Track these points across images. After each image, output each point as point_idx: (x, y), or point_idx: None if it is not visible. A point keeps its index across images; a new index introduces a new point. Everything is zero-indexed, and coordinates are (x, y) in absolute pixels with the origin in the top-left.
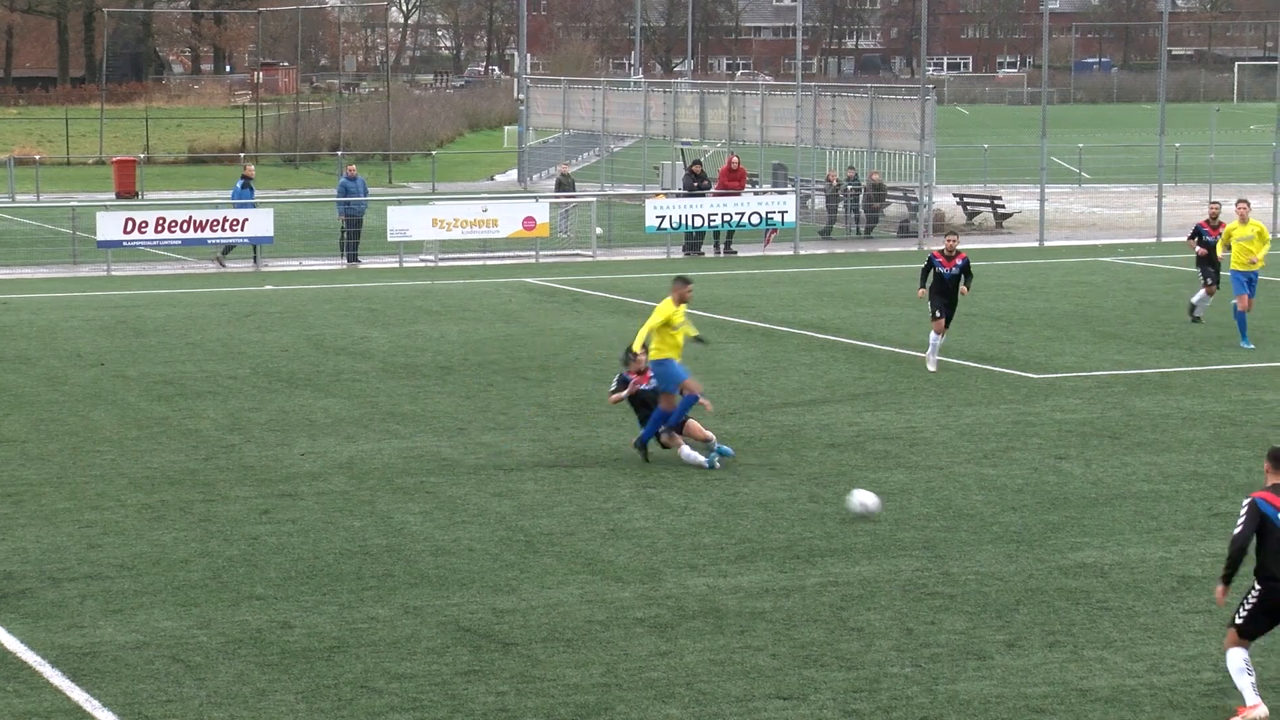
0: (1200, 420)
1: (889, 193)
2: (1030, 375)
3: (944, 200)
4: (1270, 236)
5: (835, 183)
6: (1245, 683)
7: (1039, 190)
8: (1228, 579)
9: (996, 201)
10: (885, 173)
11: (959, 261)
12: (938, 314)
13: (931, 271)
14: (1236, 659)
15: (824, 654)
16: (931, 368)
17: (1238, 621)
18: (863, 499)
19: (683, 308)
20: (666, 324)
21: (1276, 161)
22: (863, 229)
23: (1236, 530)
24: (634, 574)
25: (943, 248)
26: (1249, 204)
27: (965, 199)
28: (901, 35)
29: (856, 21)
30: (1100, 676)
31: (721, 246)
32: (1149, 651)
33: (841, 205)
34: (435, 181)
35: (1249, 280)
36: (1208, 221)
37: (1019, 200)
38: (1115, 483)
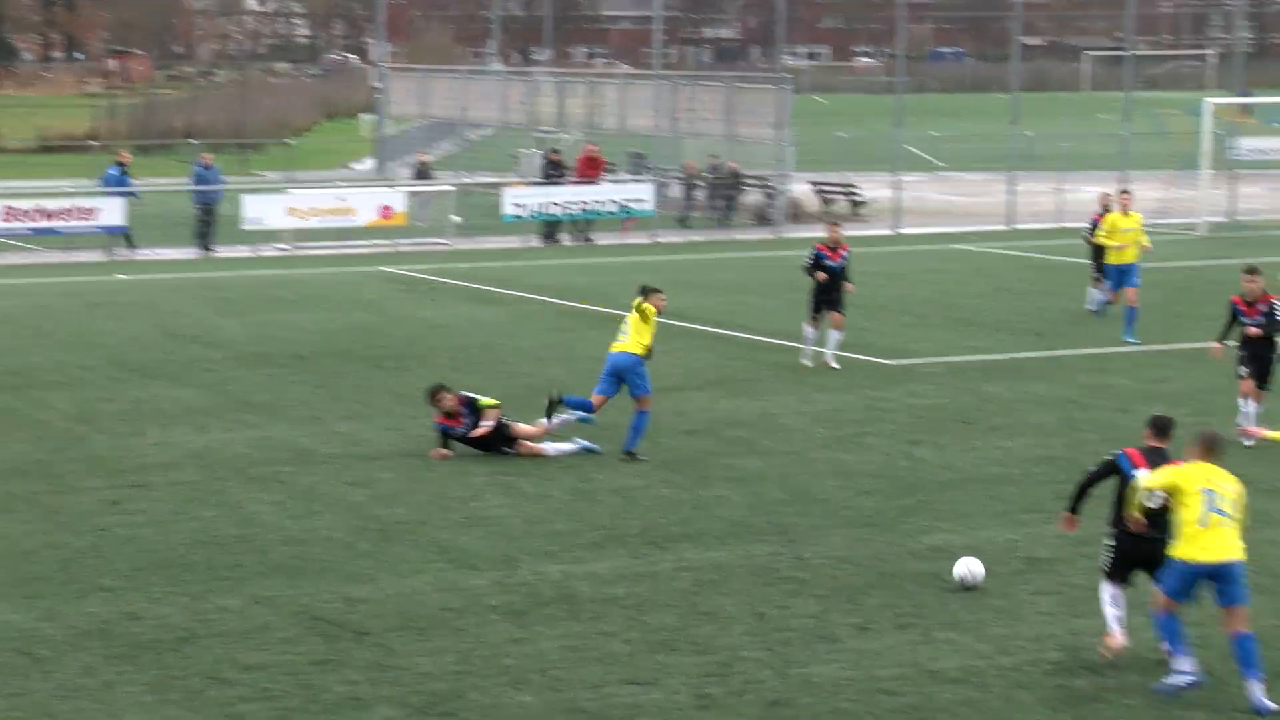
0: (1049, 405)
1: (746, 181)
2: (885, 361)
3: (800, 189)
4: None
5: (693, 171)
6: (1110, 614)
7: (894, 178)
8: (1071, 509)
9: (852, 190)
10: (743, 161)
11: (844, 253)
12: (819, 311)
13: (816, 264)
14: (1105, 591)
15: (677, 639)
16: (808, 363)
17: (1105, 569)
18: (970, 569)
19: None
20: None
21: (1124, 150)
22: (721, 217)
23: (1090, 469)
24: (489, 562)
25: (825, 238)
26: (1131, 195)
27: (821, 187)
28: (760, 24)
29: (715, 11)
30: (949, 657)
31: (580, 235)
32: (997, 632)
33: (699, 194)
34: (291, 170)
35: (1125, 272)
36: (1102, 215)
37: (875, 188)
38: (966, 467)
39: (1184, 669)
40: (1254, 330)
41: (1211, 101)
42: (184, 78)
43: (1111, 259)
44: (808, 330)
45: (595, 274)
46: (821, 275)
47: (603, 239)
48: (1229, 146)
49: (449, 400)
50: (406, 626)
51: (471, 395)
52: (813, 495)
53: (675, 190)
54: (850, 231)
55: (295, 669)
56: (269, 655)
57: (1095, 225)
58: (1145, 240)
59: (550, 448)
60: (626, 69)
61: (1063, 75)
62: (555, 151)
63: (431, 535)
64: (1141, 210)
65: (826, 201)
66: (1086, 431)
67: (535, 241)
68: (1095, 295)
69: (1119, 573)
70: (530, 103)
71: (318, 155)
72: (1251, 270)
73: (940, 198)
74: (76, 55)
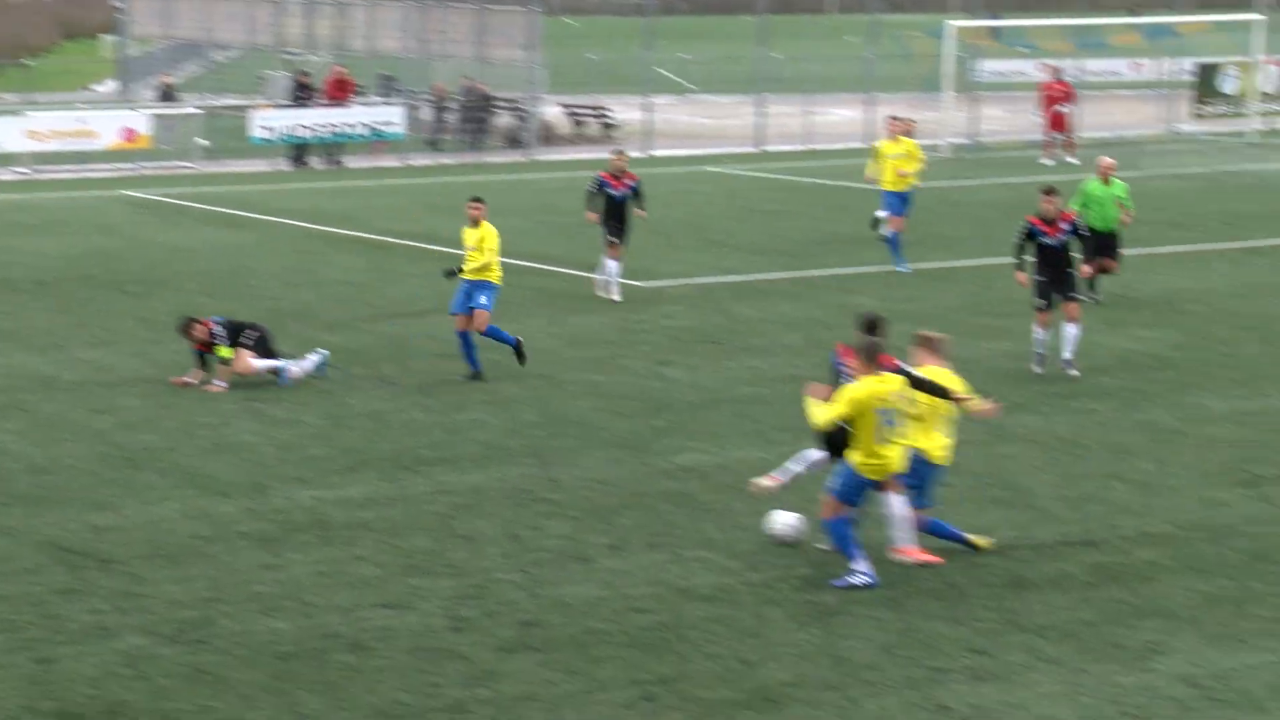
0: (798, 325)
1: (497, 104)
2: (638, 283)
3: (552, 111)
4: (921, 154)
5: (443, 94)
6: (794, 467)
7: (645, 101)
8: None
9: (603, 112)
10: (493, 84)
11: (630, 182)
12: (612, 239)
13: (602, 193)
14: (811, 456)
15: (431, 562)
16: (616, 297)
17: (834, 491)
18: (784, 521)
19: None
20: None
21: (869, 73)
22: (472, 140)
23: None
24: (239, 488)
25: (609, 168)
26: (902, 121)
27: (573, 110)
28: None
29: None
30: (700, 575)
31: (329, 158)
32: (747, 550)
33: (450, 117)
34: (30, 92)
35: (902, 199)
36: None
37: (626, 111)
38: (717, 387)
39: (861, 569)
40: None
41: (953, 24)
42: None
43: (885, 186)
44: (608, 262)
45: (345, 198)
46: (592, 215)
47: (352, 162)
48: (971, 69)
49: (199, 331)
50: (155, 554)
51: (223, 322)
52: (567, 417)
53: (426, 113)
54: (601, 154)
55: (39, 599)
56: (12, 586)
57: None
58: (908, 167)
59: (293, 366)
60: None
61: None
62: (303, 74)
63: (179, 462)
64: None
65: (578, 124)
66: (831, 346)
67: (284, 165)
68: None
69: (852, 498)
70: (277, 24)
71: (57, 77)
72: (1049, 190)
73: (690, 120)
74: None
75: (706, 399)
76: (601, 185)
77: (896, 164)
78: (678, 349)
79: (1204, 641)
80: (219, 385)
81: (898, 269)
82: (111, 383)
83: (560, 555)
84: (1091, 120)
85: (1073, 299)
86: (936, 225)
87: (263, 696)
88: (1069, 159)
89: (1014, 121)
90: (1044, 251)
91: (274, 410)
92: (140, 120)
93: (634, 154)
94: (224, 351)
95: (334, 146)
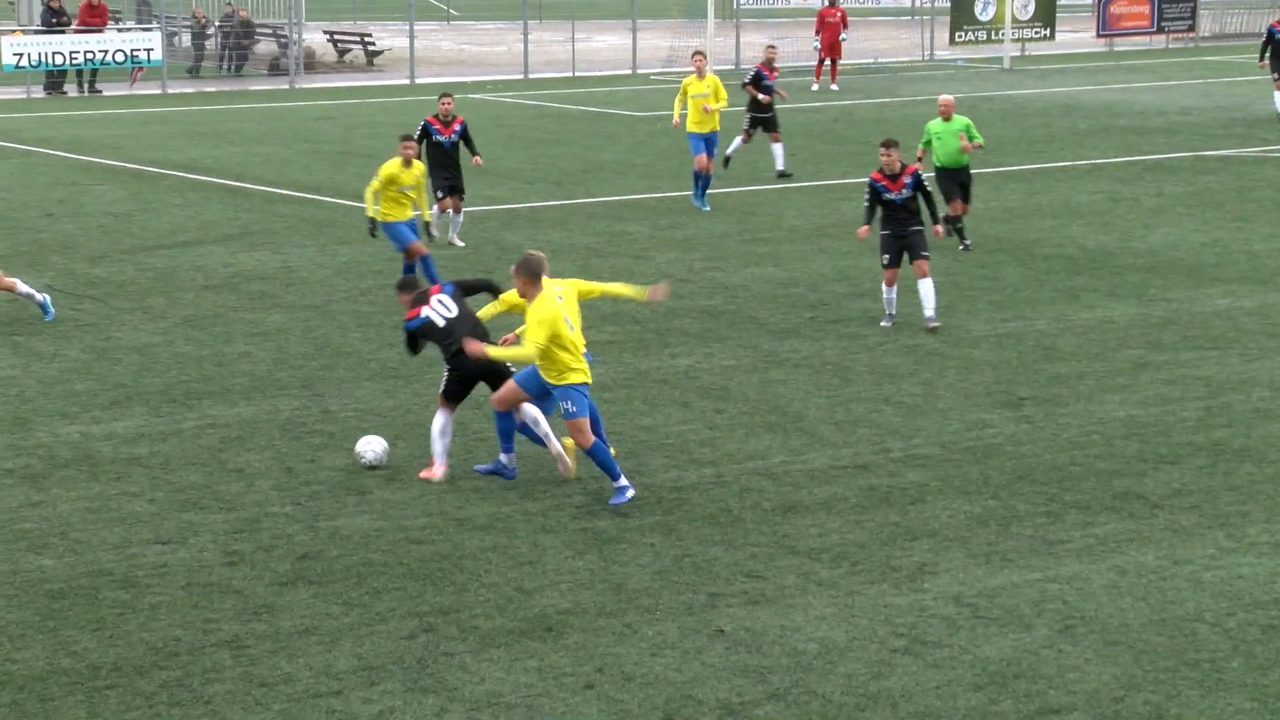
0: (568, 252)
1: (259, 30)
2: None
3: (314, 38)
4: (724, 92)
5: (203, 20)
6: (440, 447)
7: (408, 27)
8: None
9: (367, 39)
10: (255, 10)
11: (458, 126)
12: (440, 194)
13: (427, 140)
14: (438, 421)
15: (203, 497)
16: (449, 237)
17: (442, 394)
18: (369, 447)
19: (405, 165)
20: (391, 182)
21: (634, 2)
22: (232, 67)
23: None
24: (1, 424)
25: (437, 113)
26: (706, 57)
27: (336, 36)
28: None
29: None
30: (477, 506)
31: (85, 86)
32: (522, 479)
33: (210, 43)
34: None
35: (706, 140)
36: (765, 64)
37: (390, 38)
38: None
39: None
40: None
41: None
42: None
43: (690, 128)
44: (435, 212)
45: (103, 126)
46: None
47: (110, 90)
48: None
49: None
50: None
51: None
52: (337, 348)
53: (185, 39)
54: (366, 81)
55: None
56: None
57: (759, 76)
58: (711, 104)
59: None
60: None
61: None
62: None
63: None
64: (649, 57)
65: (341, 52)
66: (605, 276)
67: (39, 93)
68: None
69: (453, 399)
70: None
71: None
72: (888, 143)
73: (455, 47)
74: None
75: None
76: (426, 129)
77: (701, 102)
78: (445, 278)
79: (971, 561)
80: None
81: (698, 206)
82: None
83: (335, 488)
84: (852, 47)
85: (922, 256)
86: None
87: (33, 635)
88: (833, 86)
89: (777, 49)
90: (888, 207)
91: (35, 343)
92: None
93: (399, 81)
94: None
95: (90, 73)
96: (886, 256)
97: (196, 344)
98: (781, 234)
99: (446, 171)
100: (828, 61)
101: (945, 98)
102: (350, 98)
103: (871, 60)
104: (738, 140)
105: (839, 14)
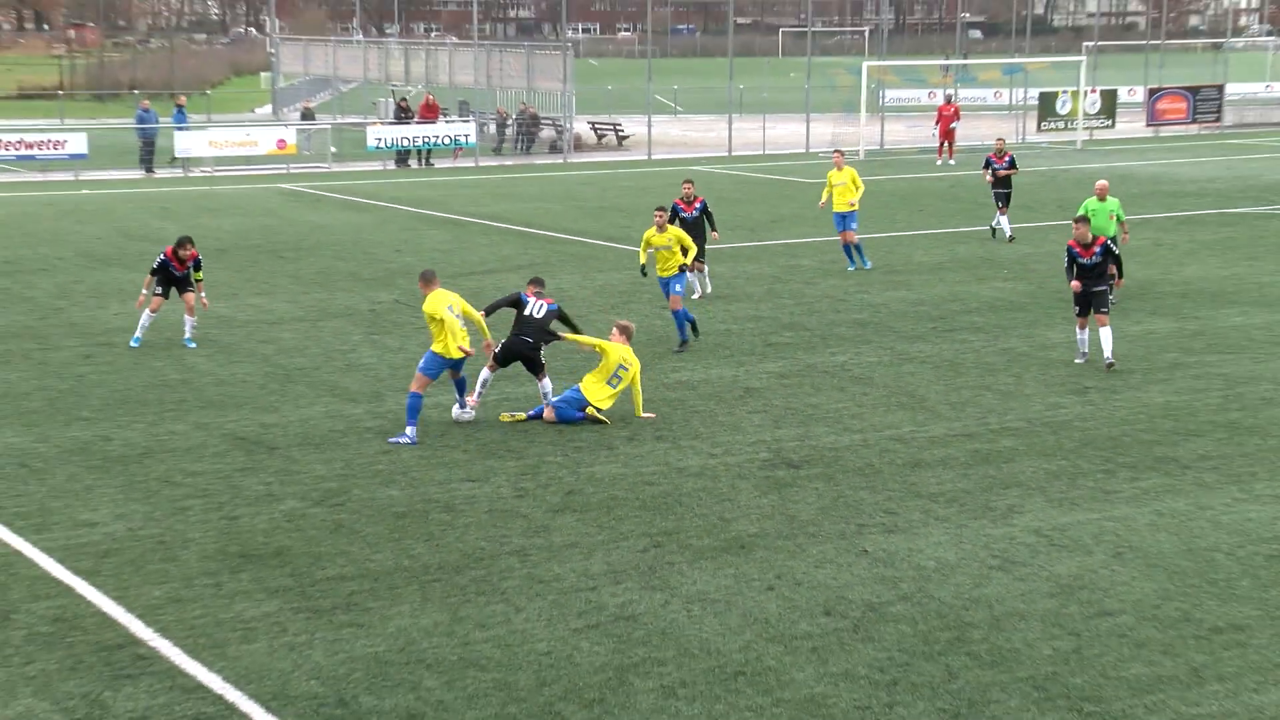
0: (758, 279)
1: (542, 121)
2: (631, 248)
3: (581, 127)
4: (860, 182)
5: (504, 114)
6: (480, 388)
7: (647, 119)
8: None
9: (618, 127)
10: (540, 107)
11: (698, 205)
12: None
13: (676, 218)
14: (484, 374)
15: (500, 449)
16: (701, 290)
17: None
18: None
19: (659, 230)
20: (648, 243)
21: (807, 100)
22: (524, 147)
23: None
24: (364, 396)
25: (681, 194)
26: (843, 154)
27: (596, 125)
28: (548, 6)
29: None
30: (691, 459)
31: (423, 160)
32: (724, 440)
33: (508, 130)
34: (210, 113)
35: (844, 218)
36: (996, 154)
37: (634, 126)
38: (703, 325)
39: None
40: (1081, 281)
41: (866, 64)
42: (126, 44)
43: (836, 208)
44: (692, 278)
45: (435, 189)
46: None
47: (440, 163)
48: (879, 96)
49: (191, 252)
50: (305, 443)
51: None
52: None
53: (491, 128)
54: (617, 157)
55: (225, 474)
56: (206, 465)
57: (989, 163)
58: (852, 195)
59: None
60: (454, 40)
61: (765, 45)
62: (403, 100)
63: (322, 378)
64: (818, 140)
65: (599, 136)
66: (785, 299)
67: (391, 165)
68: (998, 219)
69: (500, 363)
70: (384, 64)
71: (230, 102)
72: (1080, 219)
73: (680, 133)
74: (44, 26)
75: (723, 333)
76: (674, 210)
77: (842, 191)
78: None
79: (1048, 504)
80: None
81: (855, 267)
82: (272, 321)
83: (593, 445)
84: (963, 133)
85: (1102, 311)
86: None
87: (384, 543)
88: (950, 160)
89: (910, 134)
90: (1081, 269)
91: (387, 340)
92: (289, 133)
93: (640, 157)
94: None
95: (426, 152)
96: (1077, 308)
97: (497, 340)
98: (912, 267)
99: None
100: (945, 144)
101: (1101, 182)
102: (606, 169)
103: (980, 143)
104: (998, 215)
105: (954, 109)
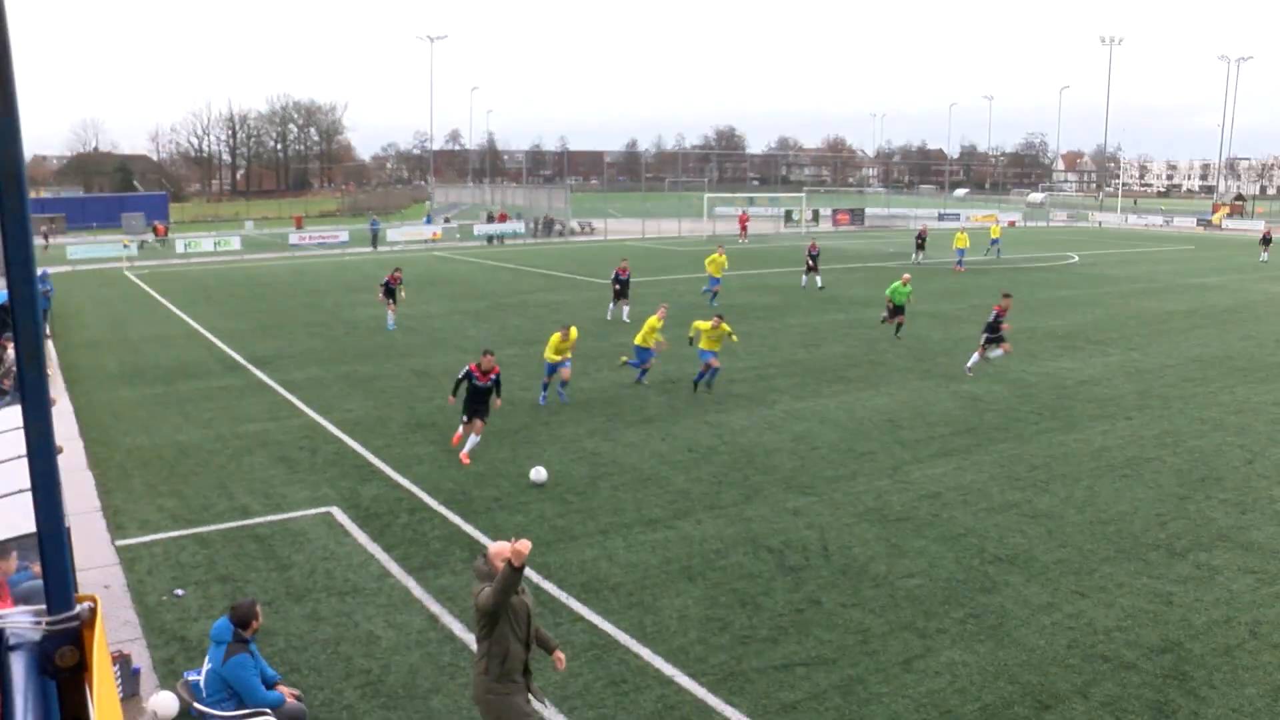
0: (657, 298)
1: (555, 221)
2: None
3: (573, 224)
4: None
5: (536, 220)
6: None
7: (604, 222)
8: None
9: (588, 224)
10: (553, 214)
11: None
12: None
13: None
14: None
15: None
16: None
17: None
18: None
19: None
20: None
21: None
22: (544, 234)
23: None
24: (462, 360)
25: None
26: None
27: (579, 223)
28: (559, 167)
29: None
30: (620, 376)
31: (499, 241)
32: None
33: (538, 226)
34: (396, 224)
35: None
36: (813, 248)
37: (598, 223)
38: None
39: None
40: None
41: (706, 195)
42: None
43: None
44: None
45: (504, 255)
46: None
47: (510, 243)
48: (713, 210)
49: (396, 274)
50: (444, 373)
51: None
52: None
53: (530, 225)
54: (588, 239)
55: (409, 388)
56: (399, 384)
57: (810, 252)
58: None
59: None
60: (513, 184)
61: (661, 185)
62: (493, 212)
63: (430, 346)
64: (684, 229)
65: (581, 229)
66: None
67: (485, 244)
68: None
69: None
70: (482, 195)
71: (409, 215)
72: (1006, 295)
73: (618, 226)
74: (330, 183)
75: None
76: (617, 277)
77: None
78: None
79: (793, 400)
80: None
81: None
82: (429, 316)
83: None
84: (752, 229)
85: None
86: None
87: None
88: (745, 240)
89: (726, 228)
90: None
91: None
92: (440, 229)
93: (599, 239)
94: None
95: (501, 238)
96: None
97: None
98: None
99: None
100: (743, 231)
101: (905, 275)
102: (584, 244)
103: (764, 233)
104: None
105: (746, 216)
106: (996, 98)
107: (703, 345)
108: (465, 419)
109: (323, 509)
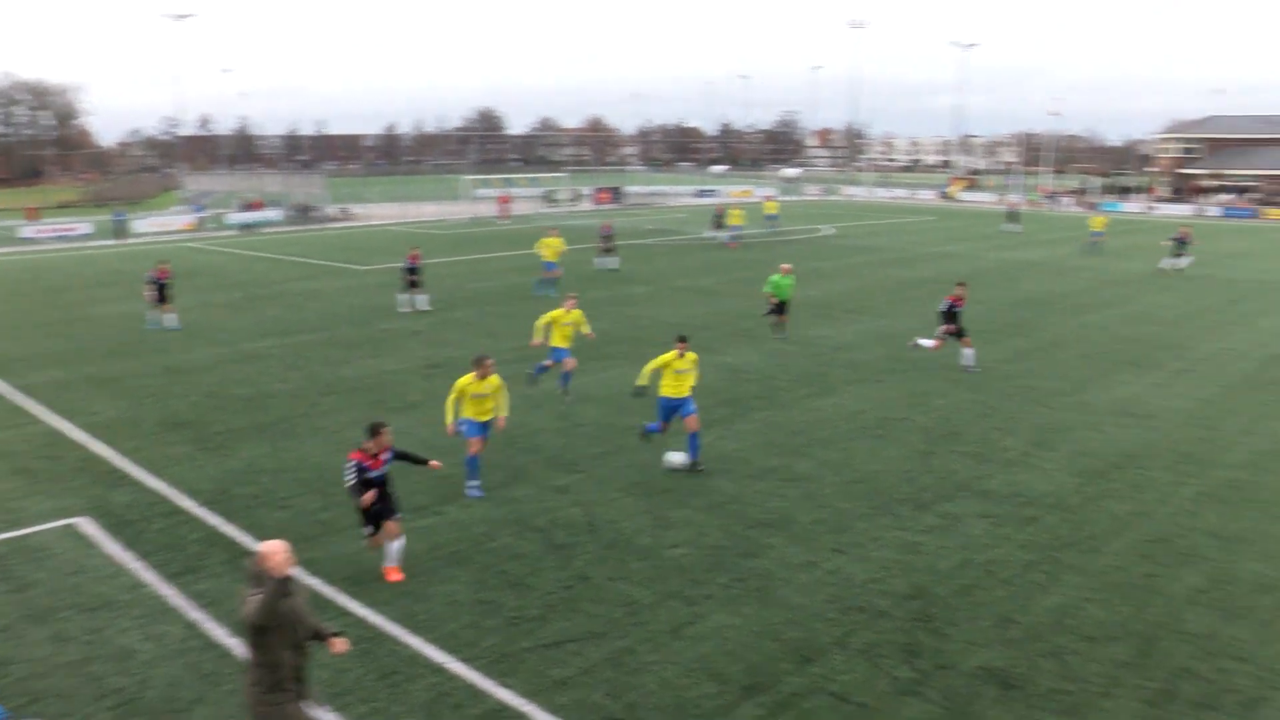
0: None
1: (312, 207)
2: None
3: (331, 210)
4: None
5: (294, 205)
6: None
7: (362, 207)
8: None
9: (347, 209)
10: (310, 201)
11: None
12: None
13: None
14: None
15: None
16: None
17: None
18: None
19: None
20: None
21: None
22: (302, 221)
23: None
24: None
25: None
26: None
27: (341, 209)
28: (318, 152)
29: None
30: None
31: (252, 231)
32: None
33: (296, 212)
34: (141, 215)
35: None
36: (605, 228)
37: (355, 209)
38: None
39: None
40: None
41: (469, 177)
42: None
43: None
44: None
45: (262, 244)
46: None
47: (265, 231)
48: (473, 191)
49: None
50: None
51: None
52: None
53: (289, 211)
54: (347, 224)
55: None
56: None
57: (601, 232)
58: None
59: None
60: (267, 171)
61: (422, 167)
62: (253, 200)
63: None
64: (443, 213)
65: (340, 215)
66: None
67: (240, 234)
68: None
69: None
70: (249, 184)
71: (158, 204)
72: (961, 283)
73: (381, 211)
74: (67, 171)
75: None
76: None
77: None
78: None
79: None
80: None
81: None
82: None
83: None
84: (516, 208)
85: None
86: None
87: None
88: (508, 221)
89: (486, 210)
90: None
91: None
92: (190, 219)
93: (358, 224)
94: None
95: (257, 226)
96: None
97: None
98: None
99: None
100: (502, 211)
101: (785, 265)
102: (345, 230)
103: (532, 212)
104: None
105: (507, 198)
106: (752, 76)
107: (555, 342)
108: (370, 530)
109: (67, 520)
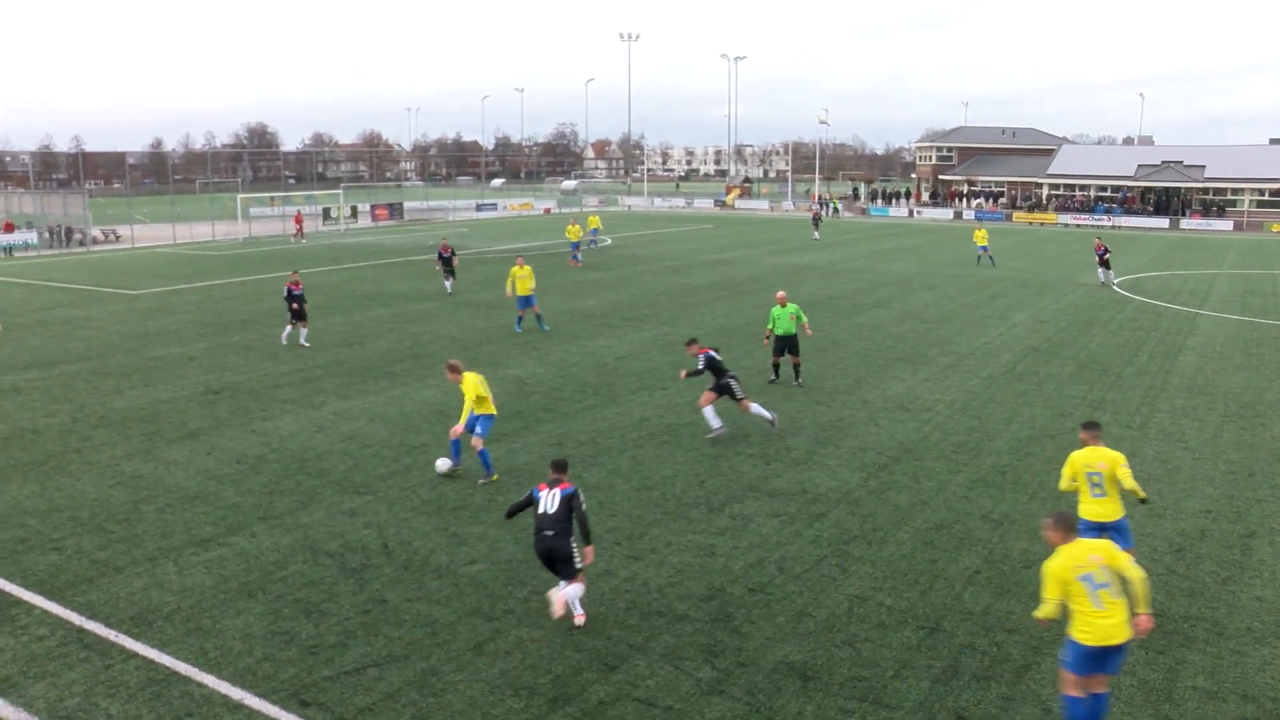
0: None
1: (75, 231)
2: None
3: (95, 232)
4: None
5: (53, 229)
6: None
7: (130, 228)
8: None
9: (114, 231)
10: (73, 224)
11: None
12: None
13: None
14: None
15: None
16: None
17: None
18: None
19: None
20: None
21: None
22: (66, 245)
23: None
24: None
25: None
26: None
27: (104, 231)
28: (74, 171)
29: None
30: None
31: (9, 254)
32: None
33: (59, 236)
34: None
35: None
36: (445, 246)
37: (124, 230)
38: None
39: None
40: None
41: (240, 196)
42: None
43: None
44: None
45: (18, 269)
46: None
47: (19, 256)
48: (249, 211)
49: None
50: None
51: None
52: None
53: (46, 235)
54: (114, 247)
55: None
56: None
57: (440, 255)
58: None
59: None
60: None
61: (189, 187)
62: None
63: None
64: (220, 232)
65: (105, 237)
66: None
67: None
68: None
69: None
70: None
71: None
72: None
73: (148, 232)
74: None
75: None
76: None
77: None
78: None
79: (342, 400)
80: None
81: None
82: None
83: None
84: (307, 226)
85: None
86: None
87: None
88: (303, 240)
89: (268, 229)
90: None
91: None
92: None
93: (126, 247)
94: None
95: (9, 249)
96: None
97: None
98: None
99: None
100: (299, 230)
101: (780, 293)
102: (111, 253)
103: (318, 230)
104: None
105: (300, 215)
106: (527, 90)
107: (521, 292)
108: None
109: None
